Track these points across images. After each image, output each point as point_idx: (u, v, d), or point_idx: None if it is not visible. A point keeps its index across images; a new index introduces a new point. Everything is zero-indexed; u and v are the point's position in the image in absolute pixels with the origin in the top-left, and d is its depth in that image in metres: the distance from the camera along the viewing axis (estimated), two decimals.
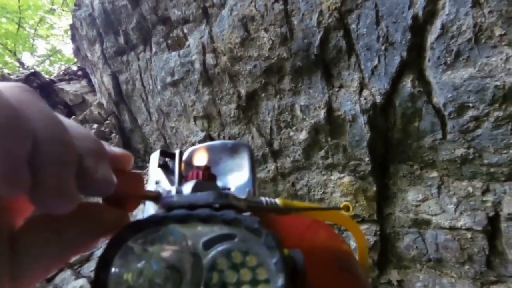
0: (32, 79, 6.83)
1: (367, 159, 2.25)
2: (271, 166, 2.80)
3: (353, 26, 1.98)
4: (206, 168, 0.47)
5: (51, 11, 11.73)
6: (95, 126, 4.98)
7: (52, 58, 12.88)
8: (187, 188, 0.44)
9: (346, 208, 0.84)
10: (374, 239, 2.45)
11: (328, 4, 2.01)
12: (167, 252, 0.33)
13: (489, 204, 1.93)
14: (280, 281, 0.30)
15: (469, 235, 2.03)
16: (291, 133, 2.55)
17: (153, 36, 3.50)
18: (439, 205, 2.13)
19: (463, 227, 2.04)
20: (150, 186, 0.54)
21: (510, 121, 1.65)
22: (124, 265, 0.33)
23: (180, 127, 3.61)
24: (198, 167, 0.47)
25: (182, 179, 0.49)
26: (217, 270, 0.31)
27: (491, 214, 1.93)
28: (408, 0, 1.74)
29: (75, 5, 4.97)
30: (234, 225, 0.33)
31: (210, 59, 2.79)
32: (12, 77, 6.94)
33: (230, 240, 0.32)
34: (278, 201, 0.56)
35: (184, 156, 0.59)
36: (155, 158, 0.57)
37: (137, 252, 0.33)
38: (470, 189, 1.98)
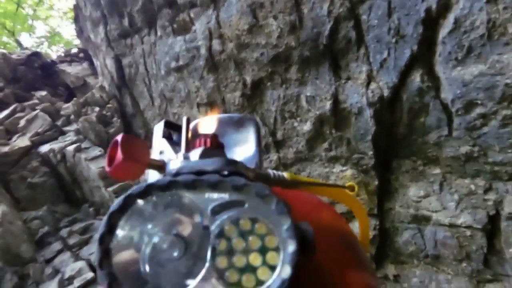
0: (34, 59, 6.77)
1: (370, 153, 2.24)
2: (274, 156, 2.80)
3: (364, 17, 1.95)
4: (214, 136, 0.46)
5: None
6: (97, 109, 4.96)
7: (50, 40, 12.81)
8: (195, 155, 0.43)
9: (351, 188, 0.84)
10: (373, 233, 2.45)
11: None
12: (174, 219, 0.33)
13: (490, 202, 1.93)
14: (291, 247, 0.29)
15: (468, 232, 2.04)
16: (295, 124, 2.53)
17: (158, 20, 3.46)
18: (440, 202, 2.13)
19: (463, 225, 2.04)
20: (154, 156, 0.52)
21: None
22: (130, 226, 0.32)
23: (182, 113, 3.59)
24: (205, 135, 0.46)
25: (189, 146, 0.47)
26: (225, 237, 0.31)
27: (492, 212, 1.93)
28: None
29: None
30: (244, 191, 0.32)
31: (216, 45, 2.76)
32: (13, 57, 6.88)
33: (239, 207, 0.32)
34: (285, 174, 0.56)
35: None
36: (159, 128, 0.56)
37: (144, 215, 0.33)
38: (473, 187, 1.98)
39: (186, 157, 0.44)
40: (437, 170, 2.11)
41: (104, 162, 4.46)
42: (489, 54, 1.61)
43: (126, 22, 3.92)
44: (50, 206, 4.73)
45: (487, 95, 1.66)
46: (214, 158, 0.39)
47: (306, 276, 0.34)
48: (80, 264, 3.70)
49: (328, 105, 2.27)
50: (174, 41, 3.23)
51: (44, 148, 4.95)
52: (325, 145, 2.44)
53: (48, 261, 4.01)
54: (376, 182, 2.33)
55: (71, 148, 4.69)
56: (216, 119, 0.57)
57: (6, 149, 4.83)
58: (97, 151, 4.62)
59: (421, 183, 2.20)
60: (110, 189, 4.15)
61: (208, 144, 0.45)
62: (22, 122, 5.30)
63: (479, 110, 1.72)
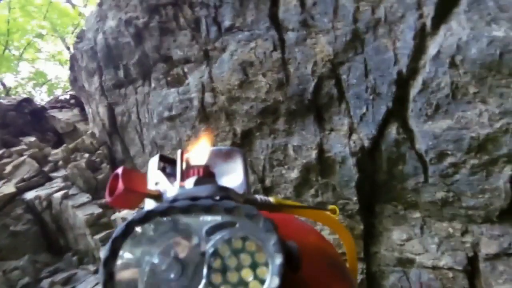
0: (25, 105, 6.86)
1: (354, 198, 2.38)
2: None
3: (344, 76, 2.19)
4: (206, 167, 0.51)
5: (39, 35, 11.85)
6: (86, 155, 5.00)
7: (34, 82, 12.82)
8: (189, 183, 0.47)
9: (333, 211, 0.90)
10: (361, 277, 2.51)
11: (322, 55, 2.22)
12: (172, 242, 0.36)
13: (468, 244, 2.06)
14: (278, 260, 0.33)
15: (450, 274, 2.14)
16: (283, 171, 2.67)
17: (153, 72, 3.67)
18: (422, 245, 2.25)
19: (445, 267, 2.14)
20: (150, 187, 0.55)
21: (484, 168, 1.83)
22: (131, 250, 0.36)
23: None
24: (198, 166, 0.50)
25: (184, 176, 0.50)
26: (219, 256, 0.35)
27: (470, 254, 2.06)
28: (393, 57, 1.96)
29: (77, 37, 5.17)
30: (235, 213, 0.36)
31: (208, 97, 2.95)
32: (3, 102, 6.95)
33: (231, 227, 0.36)
34: (271, 199, 0.61)
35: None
36: (154, 162, 0.59)
37: (144, 239, 0.36)
38: (451, 230, 2.11)
39: (181, 186, 0.47)
40: (417, 214, 2.25)
41: (91, 209, 4.43)
42: (455, 111, 1.83)
43: (121, 73, 4.12)
44: (32, 255, 4.58)
45: (456, 147, 1.86)
46: (207, 185, 0.43)
47: None
48: None
49: (313, 154, 2.43)
50: (168, 92, 3.41)
51: (30, 195, 4.88)
52: (312, 191, 2.57)
53: None
54: (362, 227, 2.44)
55: (58, 194, 4.64)
56: (206, 151, 0.60)
57: None
58: (84, 197, 4.59)
59: (403, 226, 2.33)
60: (96, 236, 4.08)
61: (201, 173, 0.48)
62: (8, 168, 5.26)
63: (450, 159, 1.91)
